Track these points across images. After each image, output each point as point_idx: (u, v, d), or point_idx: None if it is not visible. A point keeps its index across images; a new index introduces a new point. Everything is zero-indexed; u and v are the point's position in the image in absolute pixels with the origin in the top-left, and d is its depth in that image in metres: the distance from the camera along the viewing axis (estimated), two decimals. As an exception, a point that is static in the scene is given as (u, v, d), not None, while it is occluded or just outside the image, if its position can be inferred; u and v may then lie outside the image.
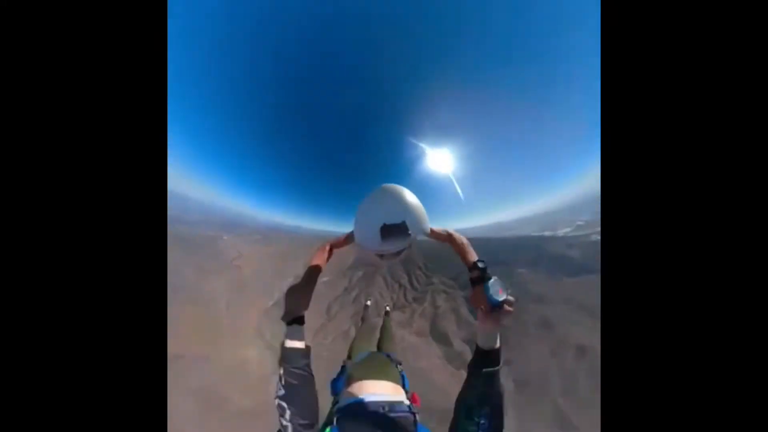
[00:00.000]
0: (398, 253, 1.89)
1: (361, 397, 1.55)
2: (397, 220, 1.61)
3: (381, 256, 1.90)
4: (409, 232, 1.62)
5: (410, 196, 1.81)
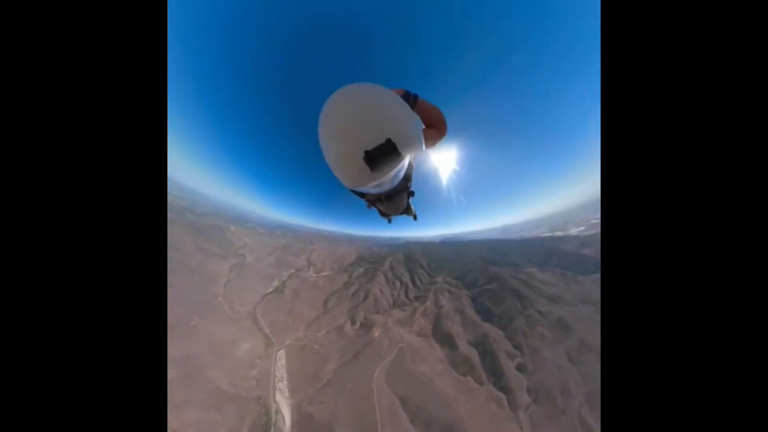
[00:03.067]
0: (394, 194, 1.60)
1: None
2: (380, 140, 1.23)
3: (372, 199, 1.60)
4: (400, 151, 1.24)
5: (384, 98, 1.36)
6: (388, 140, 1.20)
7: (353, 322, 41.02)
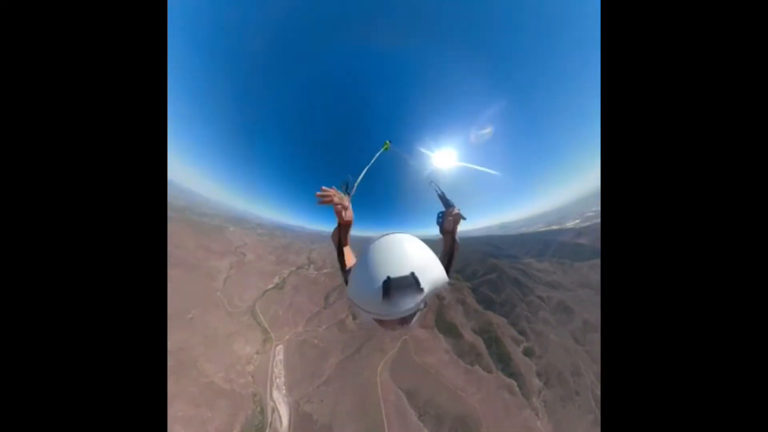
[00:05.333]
0: (409, 318, 1.43)
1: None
2: (404, 272, 1.29)
3: (381, 322, 1.47)
4: (421, 286, 1.27)
5: (417, 244, 1.54)
6: (412, 273, 1.27)
7: (355, 317, 39.96)
